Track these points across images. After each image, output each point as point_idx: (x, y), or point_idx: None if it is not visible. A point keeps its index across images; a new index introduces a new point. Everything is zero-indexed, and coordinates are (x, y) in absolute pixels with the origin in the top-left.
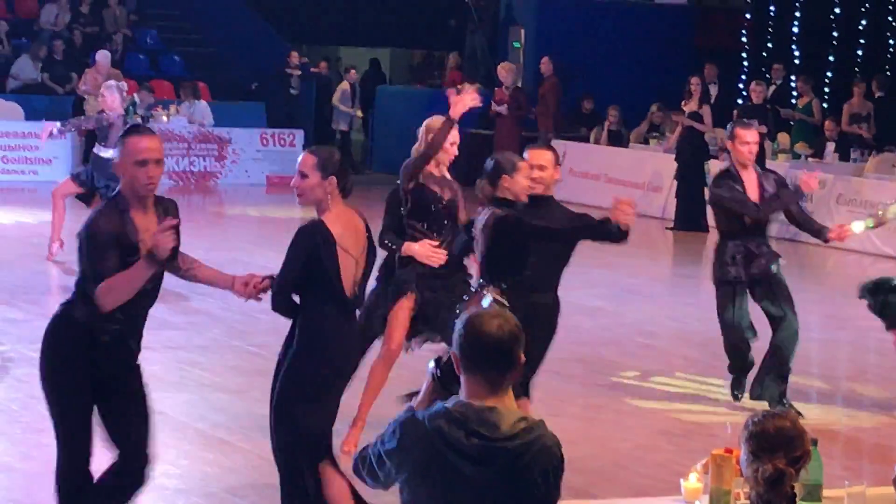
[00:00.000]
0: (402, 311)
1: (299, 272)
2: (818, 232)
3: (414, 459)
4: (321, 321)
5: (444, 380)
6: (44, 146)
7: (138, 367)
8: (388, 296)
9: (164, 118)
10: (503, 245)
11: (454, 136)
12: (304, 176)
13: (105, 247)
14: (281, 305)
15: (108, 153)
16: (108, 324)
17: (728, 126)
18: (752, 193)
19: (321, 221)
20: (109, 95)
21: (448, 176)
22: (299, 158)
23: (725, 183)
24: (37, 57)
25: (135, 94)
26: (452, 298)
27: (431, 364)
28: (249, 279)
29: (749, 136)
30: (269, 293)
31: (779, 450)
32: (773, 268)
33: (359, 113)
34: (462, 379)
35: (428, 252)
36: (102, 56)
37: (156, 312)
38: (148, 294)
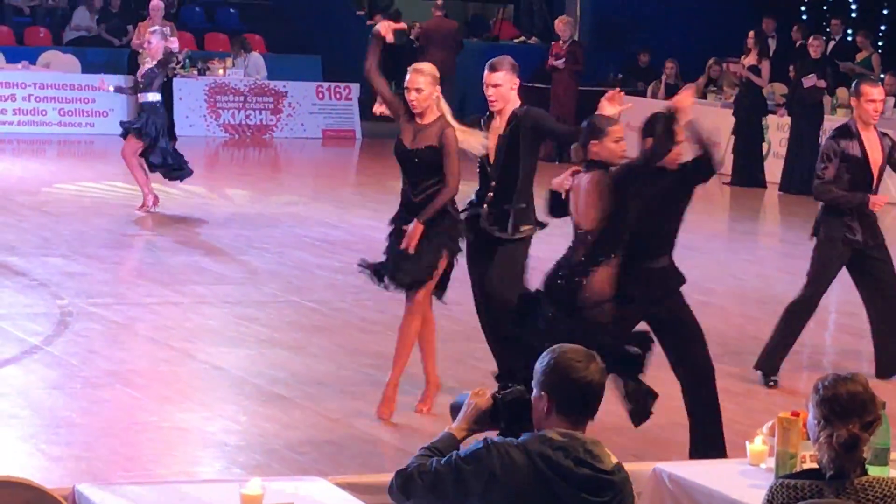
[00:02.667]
0: None
1: None
2: None
3: (511, 485)
4: None
5: (497, 416)
6: (100, 99)
7: None
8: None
9: (220, 71)
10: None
11: (412, 80)
12: None
13: None
14: None
15: (155, 97)
16: None
17: (853, 82)
18: (874, 153)
19: None
20: (155, 41)
21: (437, 122)
22: None
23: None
24: (93, 8)
25: (186, 49)
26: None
27: (463, 396)
28: None
29: (876, 94)
30: None
31: (852, 415)
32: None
33: None
34: (546, 416)
35: None
36: (155, 8)
37: (212, 267)
38: None
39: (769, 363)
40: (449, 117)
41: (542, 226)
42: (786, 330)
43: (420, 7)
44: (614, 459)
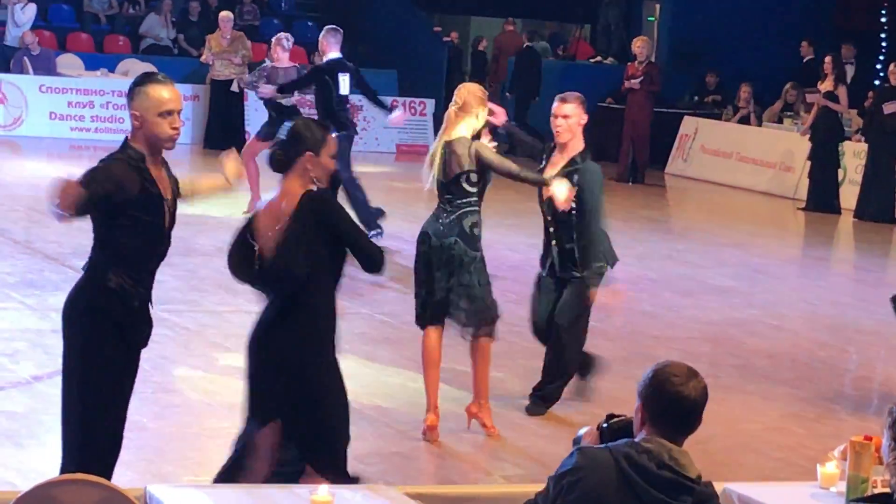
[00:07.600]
0: None
1: None
2: None
3: (592, 481)
4: None
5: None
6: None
7: None
8: None
9: None
10: None
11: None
12: None
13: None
14: None
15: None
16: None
17: None
18: None
19: None
20: (279, 48)
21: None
22: None
23: None
24: (166, 16)
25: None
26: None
27: (583, 430)
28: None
29: None
30: None
31: None
32: None
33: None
34: (641, 426)
35: None
36: (226, 18)
37: None
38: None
39: None
40: None
41: (612, 262)
42: None
43: (491, 25)
44: (701, 474)
